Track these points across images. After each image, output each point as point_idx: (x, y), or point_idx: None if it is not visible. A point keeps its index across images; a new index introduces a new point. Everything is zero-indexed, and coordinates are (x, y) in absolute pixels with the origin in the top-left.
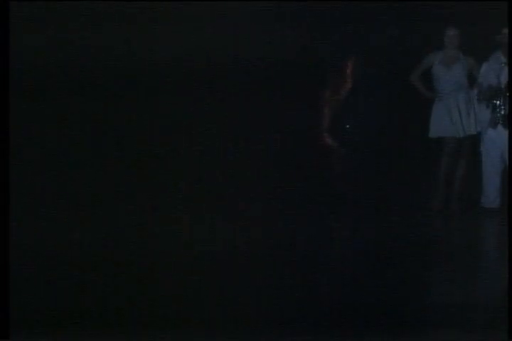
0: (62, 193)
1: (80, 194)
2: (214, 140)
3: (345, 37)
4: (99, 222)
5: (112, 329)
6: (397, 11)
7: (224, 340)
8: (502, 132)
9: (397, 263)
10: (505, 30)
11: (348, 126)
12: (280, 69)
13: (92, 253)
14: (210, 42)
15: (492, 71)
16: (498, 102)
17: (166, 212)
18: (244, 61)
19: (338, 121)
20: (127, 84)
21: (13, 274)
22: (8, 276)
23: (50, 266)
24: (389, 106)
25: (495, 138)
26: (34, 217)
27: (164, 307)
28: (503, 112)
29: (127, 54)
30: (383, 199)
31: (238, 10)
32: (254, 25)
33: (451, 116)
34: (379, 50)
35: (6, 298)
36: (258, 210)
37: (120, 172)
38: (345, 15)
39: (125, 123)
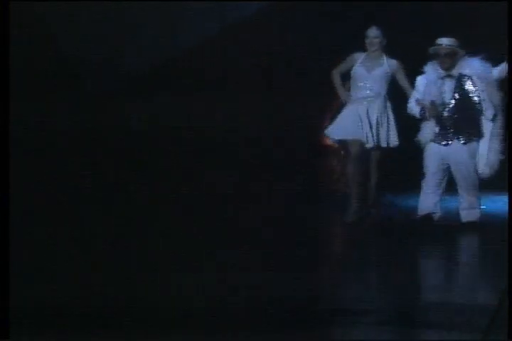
0: (61, 195)
1: (80, 194)
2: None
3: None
4: (98, 219)
5: (112, 329)
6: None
7: None
8: (455, 148)
9: (398, 263)
10: (441, 41)
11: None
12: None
13: (93, 252)
14: (207, 41)
15: (432, 84)
16: (445, 118)
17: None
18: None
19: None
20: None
21: (13, 274)
22: (8, 276)
23: (50, 266)
24: None
25: (439, 153)
26: (34, 216)
27: (165, 308)
28: (452, 129)
29: (133, 53)
30: None
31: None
32: (254, 25)
33: (361, 122)
34: None
35: (6, 298)
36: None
37: (120, 172)
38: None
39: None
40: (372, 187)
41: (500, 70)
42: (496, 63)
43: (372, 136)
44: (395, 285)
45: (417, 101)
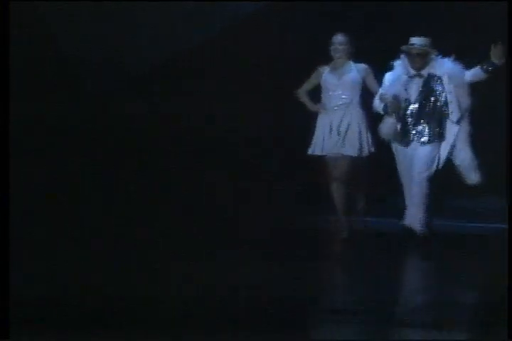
0: (61, 195)
1: (80, 194)
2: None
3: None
4: (98, 219)
5: (112, 329)
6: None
7: None
8: (419, 148)
9: (397, 264)
10: (414, 40)
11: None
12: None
13: (93, 252)
14: (205, 41)
15: (397, 80)
16: (408, 116)
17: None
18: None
19: None
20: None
21: (13, 274)
22: (8, 276)
23: (50, 266)
24: None
25: (409, 154)
26: (34, 216)
27: (165, 308)
28: (415, 129)
29: (132, 53)
30: None
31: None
32: (254, 25)
33: (337, 132)
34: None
35: (6, 298)
36: None
37: (122, 170)
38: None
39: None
40: (360, 198)
41: (472, 74)
42: (470, 66)
43: (343, 146)
44: (395, 285)
45: (381, 96)
